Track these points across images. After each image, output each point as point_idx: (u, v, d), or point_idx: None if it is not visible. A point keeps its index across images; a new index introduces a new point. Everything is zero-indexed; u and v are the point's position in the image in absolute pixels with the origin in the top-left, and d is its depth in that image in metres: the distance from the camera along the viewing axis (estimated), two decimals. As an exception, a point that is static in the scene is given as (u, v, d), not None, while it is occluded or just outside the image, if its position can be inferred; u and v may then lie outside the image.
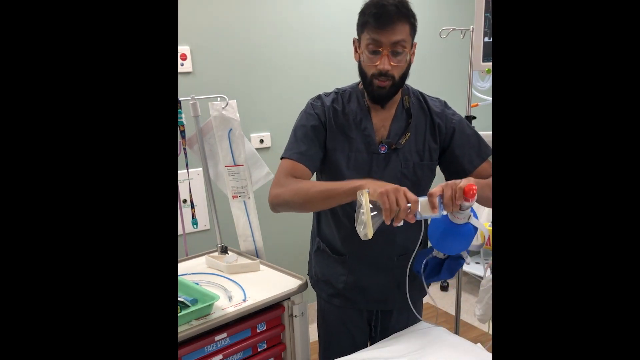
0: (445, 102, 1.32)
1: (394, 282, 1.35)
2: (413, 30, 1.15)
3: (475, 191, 0.97)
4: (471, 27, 1.85)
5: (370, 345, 1.42)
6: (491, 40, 1.81)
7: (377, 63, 1.14)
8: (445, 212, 1.02)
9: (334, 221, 1.33)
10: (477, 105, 2.00)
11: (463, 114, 2.00)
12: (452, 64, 2.97)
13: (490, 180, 1.19)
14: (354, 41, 1.21)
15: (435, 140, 1.27)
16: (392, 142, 1.24)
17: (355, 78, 2.73)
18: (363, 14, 1.15)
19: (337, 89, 1.31)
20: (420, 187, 1.30)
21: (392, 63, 1.13)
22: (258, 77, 2.28)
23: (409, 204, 0.97)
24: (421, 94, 1.31)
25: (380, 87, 1.17)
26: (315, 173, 1.30)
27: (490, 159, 1.28)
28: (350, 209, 1.26)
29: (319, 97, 1.29)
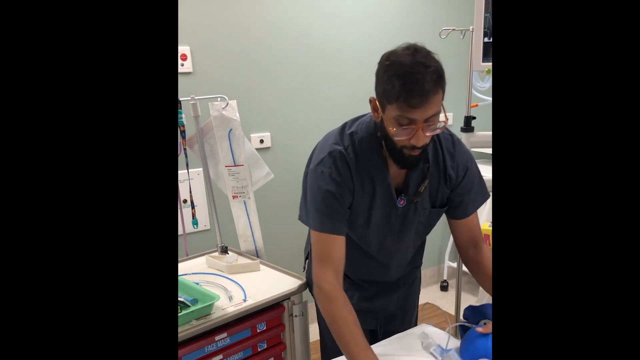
0: (457, 139, 1.22)
1: (396, 302, 1.40)
2: (444, 91, 1.01)
3: None
4: (471, 27, 1.85)
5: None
6: (491, 40, 1.81)
7: (410, 138, 1.01)
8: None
9: (348, 246, 1.24)
10: (477, 105, 2.00)
11: (463, 114, 2.01)
12: (452, 64, 2.96)
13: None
14: (371, 100, 1.06)
15: (447, 186, 1.22)
16: (411, 195, 1.18)
17: (355, 79, 2.71)
18: (391, 81, 0.96)
19: (352, 137, 1.14)
20: (430, 229, 1.30)
21: (426, 134, 1.01)
22: (258, 77, 2.28)
23: None
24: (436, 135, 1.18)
25: (412, 156, 1.07)
26: None
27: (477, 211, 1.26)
28: (364, 241, 1.25)
29: (342, 155, 1.12)
